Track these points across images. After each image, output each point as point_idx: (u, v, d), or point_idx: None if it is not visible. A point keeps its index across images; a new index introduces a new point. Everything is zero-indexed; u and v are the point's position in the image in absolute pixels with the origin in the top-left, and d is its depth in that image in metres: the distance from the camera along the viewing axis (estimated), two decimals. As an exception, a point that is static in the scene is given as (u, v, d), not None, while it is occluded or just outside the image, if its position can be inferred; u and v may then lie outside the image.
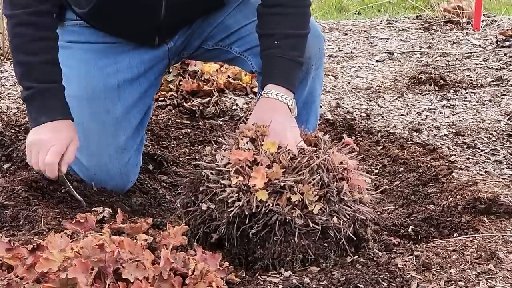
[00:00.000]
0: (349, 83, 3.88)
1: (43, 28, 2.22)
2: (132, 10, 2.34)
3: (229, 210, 2.00)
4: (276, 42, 2.22)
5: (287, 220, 1.98)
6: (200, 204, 2.06)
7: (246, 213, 1.98)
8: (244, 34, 2.47)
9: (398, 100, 3.62)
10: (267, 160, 2.03)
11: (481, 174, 2.72)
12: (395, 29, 4.97)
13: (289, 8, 2.25)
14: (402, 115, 3.43)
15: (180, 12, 2.39)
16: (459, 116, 3.41)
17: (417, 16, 5.29)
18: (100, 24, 2.42)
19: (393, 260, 2.04)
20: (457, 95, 3.68)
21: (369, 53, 4.44)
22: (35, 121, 2.21)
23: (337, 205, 2.03)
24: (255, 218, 1.99)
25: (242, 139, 2.08)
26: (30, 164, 2.23)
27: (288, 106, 2.17)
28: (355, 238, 2.07)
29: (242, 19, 2.48)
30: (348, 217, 2.04)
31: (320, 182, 2.02)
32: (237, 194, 2.00)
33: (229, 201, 2.00)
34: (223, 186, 2.03)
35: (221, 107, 3.35)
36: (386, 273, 1.96)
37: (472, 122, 3.32)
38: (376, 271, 1.96)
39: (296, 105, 2.24)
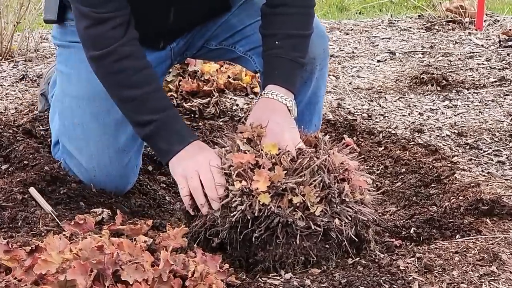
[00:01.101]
0: (350, 83, 3.87)
1: (141, 57, 2.14)
2: (140, 18, 2.31)
3: (232, 215, 1.98)
4: (277, 42, 2.21)
5: (289, 222, 1.96)
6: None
7: (249, 217, 1.96)
8: (248, 34, 2.47)
9: (400, 101, 3.60)
10: (269, 163, 2.01)
11: (484, 175, 2.71)
12: (396, 29, 4.95)
13: (293, 8, 2.24)
14: (403, 115, 3.42)
15: (188, 18, 2.39)
16: (461, 116, 3.39)
17: (419, 16, 5.28)
18: None
19: (394, 262, 2.03)
20: (459, 95, 3.66)
21: (370, 53, 4.42)
22: (169, 153, 2.09)
23: (338, 207, 2.02)
24: (257, 222, 1.97)
25: (240, 140, 2.07)
26: (187, 198, 2.03)
27: (287, 107, 2.16)
28: (356, 240, 2.05)
29: (246, 19, 2.47)
30: (349, 219, 2.03)
31: (321, 184, 2.01)
32: (240, 198, 1.98)
33: (231, 206, 1.98)
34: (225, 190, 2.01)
35: (221, 108, 3.33)
36: (388, 275, 1.94)
37: (475, 122, 3.30)
38: (378, 273, 1.95)
39: (299, 106, 2.23)
